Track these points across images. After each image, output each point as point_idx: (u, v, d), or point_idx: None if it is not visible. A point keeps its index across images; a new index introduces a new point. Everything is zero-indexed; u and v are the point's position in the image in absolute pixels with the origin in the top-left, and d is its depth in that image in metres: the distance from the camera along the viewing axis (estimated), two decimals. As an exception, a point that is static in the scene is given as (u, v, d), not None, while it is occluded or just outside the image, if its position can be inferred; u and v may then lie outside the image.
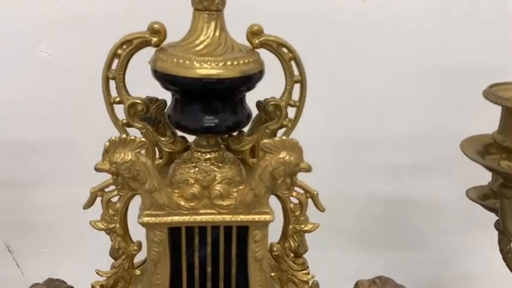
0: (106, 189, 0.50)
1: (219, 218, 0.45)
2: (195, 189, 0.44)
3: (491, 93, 0.48)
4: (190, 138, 0.51)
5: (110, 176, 0.48)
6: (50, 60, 0.74)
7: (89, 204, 0.51)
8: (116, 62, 0.45)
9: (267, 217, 0.46)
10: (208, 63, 0.41)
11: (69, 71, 0.75)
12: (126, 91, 0.47)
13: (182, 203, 0.44)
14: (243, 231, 0.47)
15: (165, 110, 0.48)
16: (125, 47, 0.45)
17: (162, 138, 0.49)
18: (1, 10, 0.71)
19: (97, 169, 0.43)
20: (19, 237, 0.84)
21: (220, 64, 0.42)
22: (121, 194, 0.49)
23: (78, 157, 0.78)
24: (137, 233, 0.51)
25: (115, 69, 0.46)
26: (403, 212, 0.87)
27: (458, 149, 0.59)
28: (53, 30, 0.72)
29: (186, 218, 0.45)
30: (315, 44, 0.71)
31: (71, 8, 0.71)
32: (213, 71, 0.41)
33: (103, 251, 0.53)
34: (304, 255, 0.55)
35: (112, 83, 0.46)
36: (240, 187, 0.45)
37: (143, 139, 0.42)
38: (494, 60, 0.72)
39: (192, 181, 0.44)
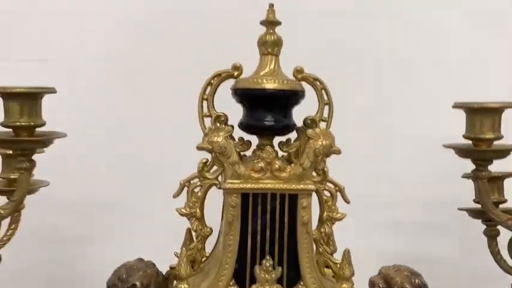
0: (192, 181, 0.70)
1: (277, 186, 0.65)
2: (261, 164, 0.65)
3: None
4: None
5: (195, 170, 0.69)
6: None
7: (178, 193, 0.70)
8: (208, 88, 0.70)
9: (311, 186, 0.65)
10: (270, 80, 0.66)
11: (133, 137, 0.97)
12: (214, 108, 0.70)
13: (252, 173, 0.64)
14: (294, 199, 0.65)
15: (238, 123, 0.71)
16: (216, 78, 0.69)
17: (235, 141, 0.70)
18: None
19: (198, 147, 0.64)
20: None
21: (277, 81, 0.66)
22: (202, 184, 0.69)
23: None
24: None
25: (208, 93, 0.70)
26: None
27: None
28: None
29: (254, 185, 0.64)
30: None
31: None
32: (273, 85, 0.65)
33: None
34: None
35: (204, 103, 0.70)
36: (292, 164, 0.65)
37: (229, 127, 0.64)
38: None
39: (259, 159, 0.65)
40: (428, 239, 1.00)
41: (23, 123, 0.59)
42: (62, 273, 0.97)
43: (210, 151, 0.65)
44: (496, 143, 0.66)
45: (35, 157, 0.69)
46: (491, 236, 0.77)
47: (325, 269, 0.72)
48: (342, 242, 0.71)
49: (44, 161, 0.73)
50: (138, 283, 0.65)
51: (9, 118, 0.59)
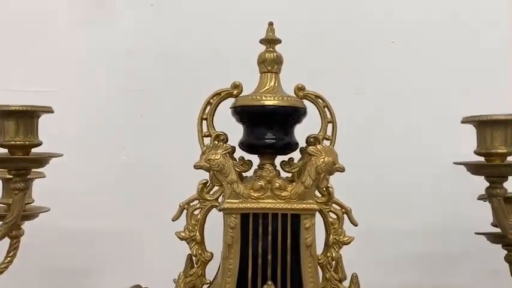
0: (191, 204, 0.68)
1: (278, 206, 0.62)
2: (261, 182, 0.62)
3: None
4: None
5: (194, 193, 0.67)
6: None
7: (177, 216, 0.68)
8: (208, 108, 0.69)
9: (314, 206, 0.62)
10: (270, 97, 0.64)
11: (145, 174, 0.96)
12: (214, 127, 0.68)
13: (252, 193, 0.62)
14: (296, 220, 0.62)
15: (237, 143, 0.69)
16: (215, 97, 0.68)
17: (235, 161, 0.68)
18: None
19: (196, 166, 0.62)
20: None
21: (277, 98, 0.64)
22: (201, 206, 0.67)
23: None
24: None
25: (207, 112, 0.68)
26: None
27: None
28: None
29: (254, 205, 0.62)
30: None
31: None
32: (273, 102, 0.64)
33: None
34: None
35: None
36: (293, 183, 0.62)
37: (228, 145, 0.62)
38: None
39: (259, 178, 0.63)
40: (446, 269, 0.95)
41: (17, 142, 0.58)
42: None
43: (207, 169, 0.62)
44: (510, 158, 0.63)
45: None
46: (510, 261, 0.72)
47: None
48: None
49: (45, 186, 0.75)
50: (134, 311, 0.62)
51: (5, 137, 0.58)
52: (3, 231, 0.60)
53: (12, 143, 0.58)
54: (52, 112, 0.62)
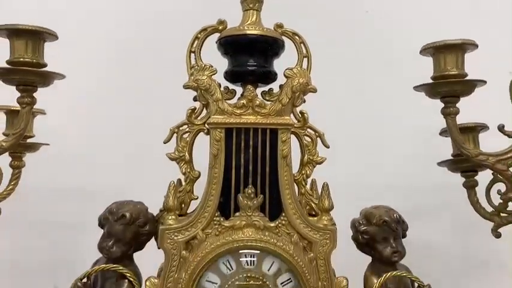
0: (181, 128, 0.75)
1: (258, 121, 0.70)
2: (243, 101, 0.70)
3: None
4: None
5: (184, 118, 0.74)
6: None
7: (168, 138, 0.75)
8: (195, 42, 0.76)
9: (290, 121, 0.70)
10: (252, 27, 0.72)
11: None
12: (201, 59, 0.76)
13: (235, 110, 0.70)
14: (274, 135, 0.70)
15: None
16: (202, 32, 0.76)
17: (220, 89, 0.76)
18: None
19: (185, 86, 0.70)
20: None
21: (259, 29, 0.72)
22: (190, 130, 0.74)
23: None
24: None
25: (195, 46, 0.76)
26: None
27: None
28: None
29: (237, 120, 0.69)
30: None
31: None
32: (255, 31, 0.72)
33: None
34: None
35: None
36: (272, 102, 0.70)
37: (213, 67, 0.70)
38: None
39: (241, 97, 0.71)
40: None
41: (27, 59, 0.65)
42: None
43: (195, 89, 0.70)
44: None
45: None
46: (470, 186, 0.80)
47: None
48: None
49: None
50: (127, 214, 0.69)
51: (15, 54, 0.65)
52: (12, 141, 0.67)
53: (21, 59, 0.65)
54: (57, 38, 0.70)
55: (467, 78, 0.70)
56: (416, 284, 0.71)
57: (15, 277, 1.00)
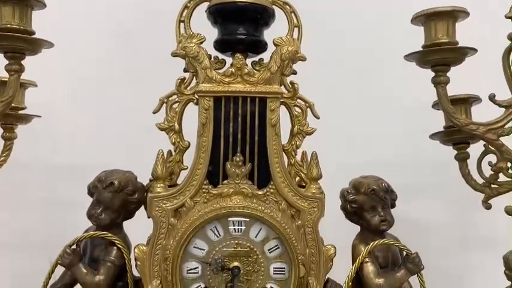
0: (170, 98, 0.75)
1: (246, 89, 0.69)
2: (232, 69, 0.69)
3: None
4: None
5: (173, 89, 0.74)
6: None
7: (158, 108, 0.75)
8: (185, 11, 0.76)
9: (279, 89, 0.70)
10: (242, -3, 0.72)
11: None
12: (190, 28, 0.75)
13: (224, 78, 0.69)
14: (262, 103, 0.70)
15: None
16: (192, 2, 0.75)
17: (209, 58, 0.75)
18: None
19: (172, 53, 0.69)
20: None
21: (249, -2, 0.72)
22: (179, 100, 0.74)
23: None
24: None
25: (185, 16, 0.75)
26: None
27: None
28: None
29: (225, 88, 0.69)
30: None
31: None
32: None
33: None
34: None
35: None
36: (261, 70, 0.70)
37: (202, 35, 0.70)
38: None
39: (230, 66, 0.70)
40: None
41: (14, 26, 0.65)
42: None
43: (183, 56, 0.70)
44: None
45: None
46: (462, 158, 0.80)
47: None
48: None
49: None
50: (116, 181, 0.69)
51: (2, 21, 0.65)
52: (0, 108, 0.67)
53: (9, 26, 0.65)
54: (45, 6, 0.69)
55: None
56: (404, 253, 0.71)
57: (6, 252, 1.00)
